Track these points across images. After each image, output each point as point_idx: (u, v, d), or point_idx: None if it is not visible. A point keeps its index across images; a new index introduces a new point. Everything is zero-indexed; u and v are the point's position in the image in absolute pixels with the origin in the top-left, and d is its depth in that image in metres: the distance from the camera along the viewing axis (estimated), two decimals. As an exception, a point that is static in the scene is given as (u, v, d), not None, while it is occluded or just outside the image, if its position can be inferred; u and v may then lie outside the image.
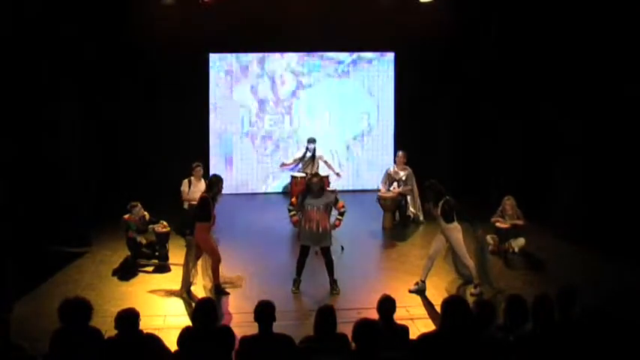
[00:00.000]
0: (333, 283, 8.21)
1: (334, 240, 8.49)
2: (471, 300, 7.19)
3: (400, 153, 11.42)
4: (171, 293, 8.15)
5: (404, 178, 11.14)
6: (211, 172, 13.14)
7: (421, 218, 11.37)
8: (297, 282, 8.26)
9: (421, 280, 8.27)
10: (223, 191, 12.93)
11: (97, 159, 11.39)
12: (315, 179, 8.29)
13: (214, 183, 8.34)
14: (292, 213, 8.39)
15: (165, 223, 9.39)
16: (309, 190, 8.25)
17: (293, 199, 8.53)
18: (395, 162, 11.50)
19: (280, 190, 13.59)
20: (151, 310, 7.48)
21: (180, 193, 10.37)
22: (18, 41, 8.97)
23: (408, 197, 11.27)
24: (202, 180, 10.42)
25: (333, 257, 8.32)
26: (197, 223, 8.15)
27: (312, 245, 8.23)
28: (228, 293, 8.13)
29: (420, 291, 8.19)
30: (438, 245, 8.30)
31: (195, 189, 10.34)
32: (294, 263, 8.34)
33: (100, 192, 11.02)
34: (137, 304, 6.21)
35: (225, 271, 8.44)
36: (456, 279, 8.51)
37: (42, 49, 9.41)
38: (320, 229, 8.10)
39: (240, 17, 11.88)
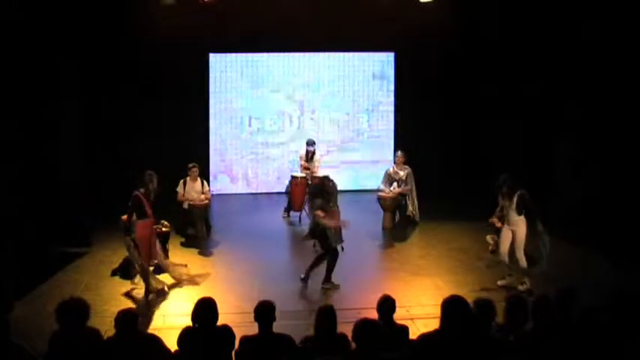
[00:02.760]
0: (327, 283, 8.28)
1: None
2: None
3: (399, 153, 11.43)
4: (152, 292, 8.10)
5: (404, 178, 11.14)
6: (212, 173, 13.24)
7: (417, 218, 11.36)
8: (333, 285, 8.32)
9: (508, 275, 8.31)
10: (225, 191, 12.95)
11: (97, 159, 11.39)
12: (331, 182, 8.37)
13: (148, 180, 8.18)
14: (323, 221, 8.17)
15: (165, 222, 9.38)
16: (329, 193, 8.25)
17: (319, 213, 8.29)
18: (394, 162, 11.49)
19: (280, 190, 13.58)
20: (151, 310, 7.48)
21: (176, 193, 10.43)
22: (18, 42, 8.97)
23: (407, 197, 11.27)
24: (198, 180, 10.49)
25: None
26: (137, 222, 8.10)
27: (339, 244, 8.28)
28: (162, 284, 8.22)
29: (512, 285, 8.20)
30: (507, 241, 8.31)
31: (190, 189, 10.40)
32: (294, 263, 8.36)
33: (100, 192, 11.02)
34: (137, 304, 6.21)
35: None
36: (454, 280, 8.52)
37: (42, 49, 9.40)
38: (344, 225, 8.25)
39: (240, 17, 11.89)
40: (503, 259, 8.34)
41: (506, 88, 11.94)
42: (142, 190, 8.13)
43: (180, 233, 10.35)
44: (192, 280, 8.51)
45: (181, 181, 10.48)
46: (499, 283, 8.33)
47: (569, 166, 10.60)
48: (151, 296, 8.00)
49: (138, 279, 8.29)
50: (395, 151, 12.71)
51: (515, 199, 8.18)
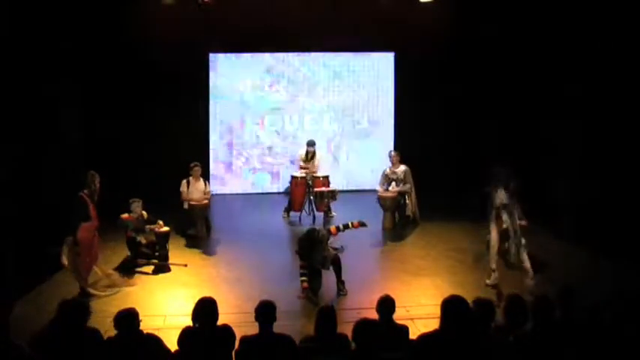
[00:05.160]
0: (341, 284, 8.18)
1: (335, 239, 8.51)
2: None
3: (393, 152, 11.41)
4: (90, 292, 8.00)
5: (401, 177, 11.14)
6: (211, 172, 13.25)
7: (418, 218, 11.35)
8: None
9: (492, 270, 8.24)
10: (225, 191, 12.91)
11: (97, 159, 11.37)
12: (319, 233, 8.15)
13: (90, 180, 8.01)
14: (303, 279, 7.99)
15: (161, 223, 9.38)
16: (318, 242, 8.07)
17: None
18: (391, 162, 11.45)
19: (280, 190, 13.60)
20: (151, 310, 7.47)
21: (180, 193, 10.45)
22: (19, 42, 8.97)
23: (407, 196, 11.25)
24: (201, 179, 10.53)
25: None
26: (79, 224, 7.92)
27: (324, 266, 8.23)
28: (93, 295, 7.95)
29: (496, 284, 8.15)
30: (495, 234, 8.26)
31: (193, 189, 10.43)
32: (294, 263, 8.35)
33: (100, 192, 11.01)
34: (137, 304, 6.21)
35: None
36: (454, 280, 8.52)
37: (42, 49, 9.41)
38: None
39: (240, 17, 11.90)
40: (493, 258, 8.26)
41: (505, 88, 11.94)
42: (85, 191, 7.99)
43: (180, 233, 10.35)
44: (123, 289, 8.29)
45: (184, 181, 10.50)
46: (487, 282, 8.24)
47: (570, 166, 10.59)
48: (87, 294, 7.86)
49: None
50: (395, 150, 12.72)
51: (511, 189, 8.11)
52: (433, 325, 4.88)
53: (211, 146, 13.45)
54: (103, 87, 11.69)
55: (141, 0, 11.36)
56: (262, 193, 13.60)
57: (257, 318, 4.94)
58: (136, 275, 8.83)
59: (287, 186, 12.95)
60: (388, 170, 11.32)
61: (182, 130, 12.66)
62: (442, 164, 12.98)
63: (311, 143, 11.94)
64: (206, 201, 10.55)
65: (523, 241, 8.22)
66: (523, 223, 9.43)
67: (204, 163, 12.41)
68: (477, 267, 9.05)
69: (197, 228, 10.44)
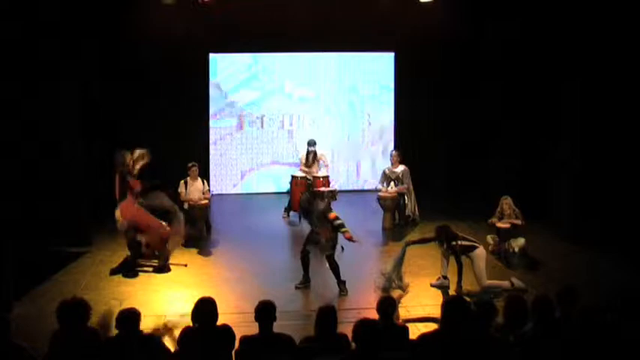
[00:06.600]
0: (341, 284, 8.24)
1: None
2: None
3: (394, 152, 11.47)
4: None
5: (400, 176, 11.16)
6: (212, 172, 13.24)
7: (417, 217, 11.36)
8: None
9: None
10: (225, 191, 12.91)
11: (97, 158, 11.38)
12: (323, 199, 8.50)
13: (118, 162, 8.77)
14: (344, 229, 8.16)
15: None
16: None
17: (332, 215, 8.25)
18: (391, 162, 11.47)
19: (280, 190, 13.59)
20: (151, 310, 7.47)
21: (178, 194, 10.44)
22: (18, 42, 8.97)
23: (406, 196, 11.27)
24: (199, 179, 10.53)
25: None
26: (119, 204, 8.64)
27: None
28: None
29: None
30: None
31: (192, 188, 10.42)
32: (294, 263, 8.36)
33: (100, 192, 11.02)
34: (137, 304, 6.21)
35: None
36: (454, 280, 8.52)
37: (42, 49, 9.40)
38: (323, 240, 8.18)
39: (240, 17, 11.89)
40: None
41: (506, 88, 11.93)
42: (117, 170, 8.62)
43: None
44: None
45: (182, 181, 10.50)
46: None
47: (570, 166, 10.59)
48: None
49: None
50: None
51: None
52: (433, 325, 4.88)
53: (211, 146, 13.44)
54: (103, 87, 11.67)
55: (141, 0, 11.35)
56: (262, 193, 13.59)
57: (257, 318, 4.95)
58: (137, 275, 8.83)
59: (287, 186, 12.96)
60: (387, 170, 11.35)
61: (182, 131, 12.65)
62: (442, 164, 12.98)
63: (311, 143, 11.94)
64: (206, 201, 10.54)
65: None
66: (518, 222, 9.53)
67: (204, 163, 12.42)
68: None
69: (197, 228, 10.44)
